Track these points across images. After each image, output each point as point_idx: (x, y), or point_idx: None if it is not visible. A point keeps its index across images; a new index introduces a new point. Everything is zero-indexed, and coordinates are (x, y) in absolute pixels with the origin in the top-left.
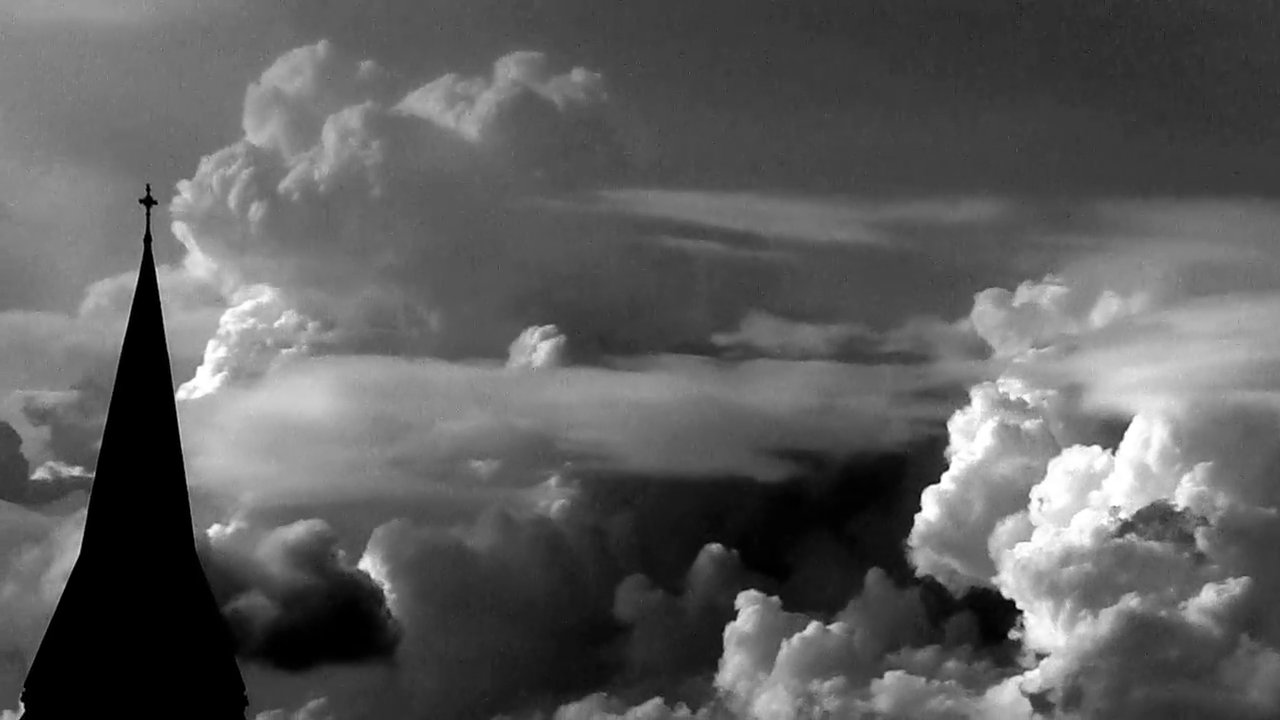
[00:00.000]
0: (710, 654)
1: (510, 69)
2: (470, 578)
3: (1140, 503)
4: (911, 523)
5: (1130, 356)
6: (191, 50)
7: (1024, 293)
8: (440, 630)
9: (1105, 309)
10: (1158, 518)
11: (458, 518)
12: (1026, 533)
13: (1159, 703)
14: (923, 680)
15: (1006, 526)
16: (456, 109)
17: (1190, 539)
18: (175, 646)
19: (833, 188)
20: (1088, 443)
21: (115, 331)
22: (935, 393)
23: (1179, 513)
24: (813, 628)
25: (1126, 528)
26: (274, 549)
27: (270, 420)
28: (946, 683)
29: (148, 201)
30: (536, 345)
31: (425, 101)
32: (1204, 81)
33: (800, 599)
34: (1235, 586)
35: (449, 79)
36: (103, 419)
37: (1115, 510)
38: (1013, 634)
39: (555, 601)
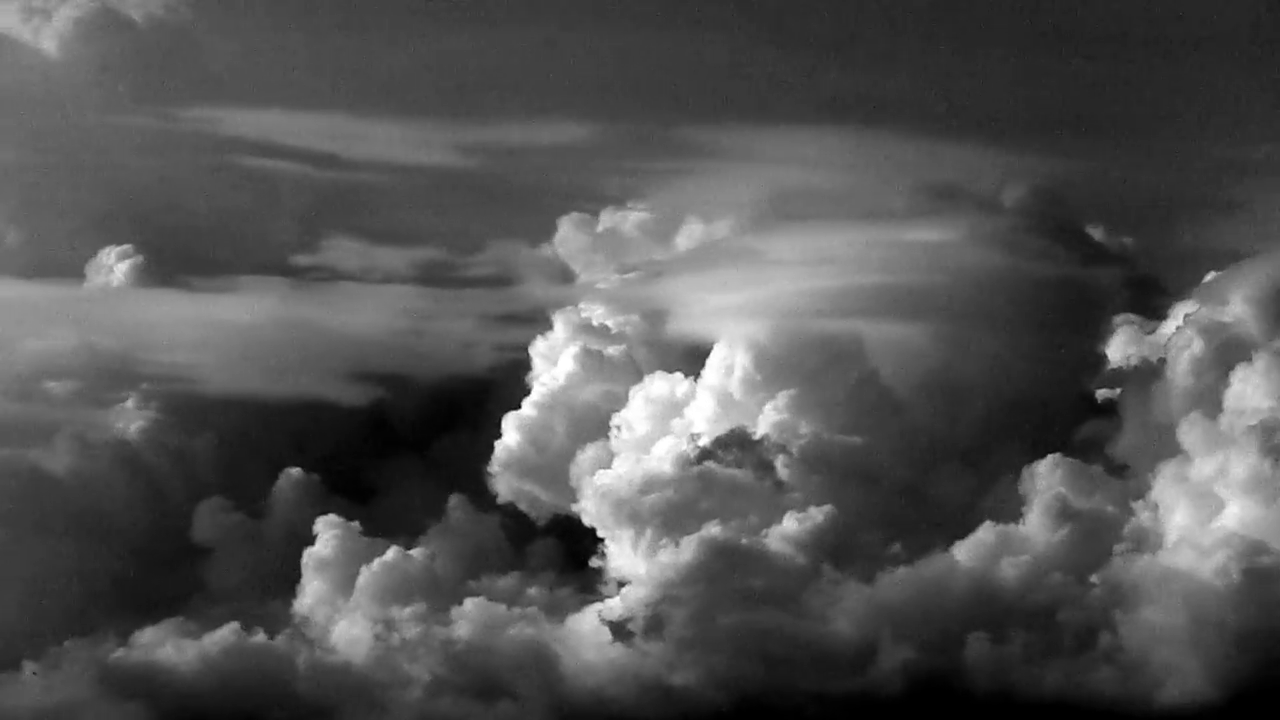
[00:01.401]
0: (290, 579)
1: None
2: (45, 500)
3: (721, 430)
4: (493, 449)
5: (714, 282)
6: None
7: (608, 218)
8: (12, 553)
9: (689, 234)
10: (736, 445)
11: (33, 439)
12: (608, 460)
13: (742, 630)
14: (504, 607)
15: (588, 453)
16: (33, 23)
17: (770, 467)
18: None
19: (418, 109)
20: (670, 369)
21: None
22: (518, 317)
23: (758, 440)
24: (393, 553)
25: (706, 455)
26: None
27: None
28: (528, 610)
29: None
30: (114, 265)
31: (0, 15)
32: (795, 5)
33: (381, 524)
34: (817, 515)
35: None
36: None
37: (695, 437)
38: (594, 562)
39: (133, 524)
